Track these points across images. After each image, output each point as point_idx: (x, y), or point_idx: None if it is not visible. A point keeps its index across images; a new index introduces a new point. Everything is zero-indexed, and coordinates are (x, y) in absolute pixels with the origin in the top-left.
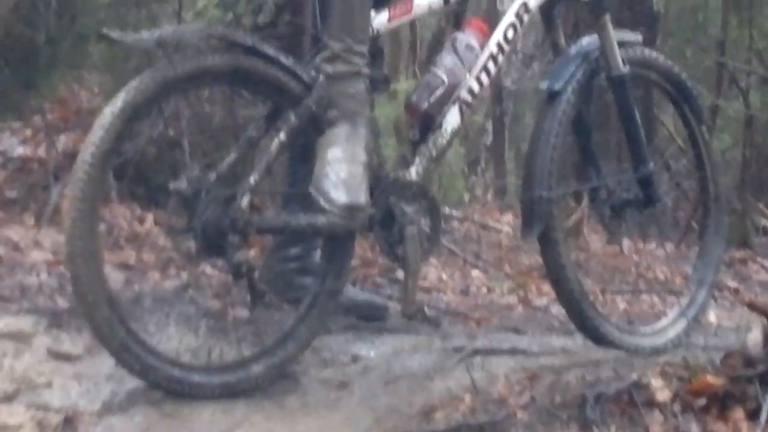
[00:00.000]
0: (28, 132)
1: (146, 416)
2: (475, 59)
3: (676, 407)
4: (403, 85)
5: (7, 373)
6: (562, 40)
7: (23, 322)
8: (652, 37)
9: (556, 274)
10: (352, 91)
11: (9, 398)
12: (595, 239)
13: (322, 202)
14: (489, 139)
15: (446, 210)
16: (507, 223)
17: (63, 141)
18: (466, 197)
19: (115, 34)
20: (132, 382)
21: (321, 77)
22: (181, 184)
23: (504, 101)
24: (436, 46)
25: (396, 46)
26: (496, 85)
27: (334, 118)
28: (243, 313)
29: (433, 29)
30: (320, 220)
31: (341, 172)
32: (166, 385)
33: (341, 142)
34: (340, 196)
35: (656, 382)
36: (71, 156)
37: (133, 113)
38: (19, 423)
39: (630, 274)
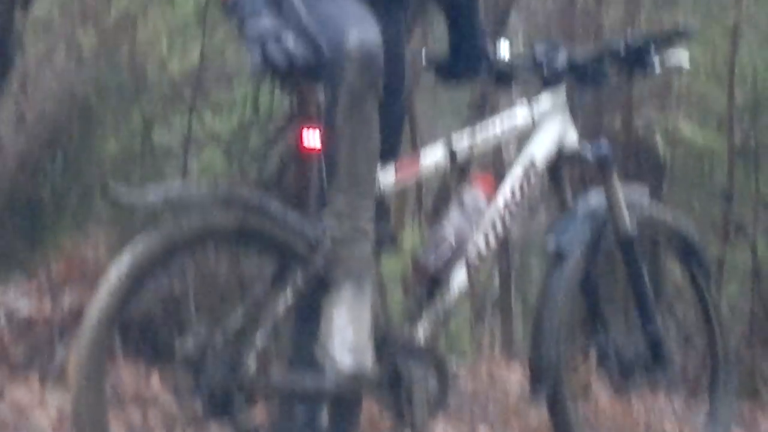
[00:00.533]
0: (33, 286)
1: None
2: (482, 217)
3: None
4: (408, 237)
5: None
6: (569, 197)
7: None
8: (658, 186)
9: None
10: (358, 251)
11: None
12: (602, 392)
13: (327, 365)
14: (495, 289)
15: (453, 366)
16: (514, 372)
17: (68, 297)
18: (473, 349)
19: (121, 193)
20: None
21: (327, 236)
22: (187, 344)
23: (510, 253)
24: (441, 196)
25: (401, 196)
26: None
27: (339, 278)
28: None
29: (437, 180)
30: (326, 383)
31: (347, 336)
32: None
33: (347, 303)
34: (345, 360)
35: None
36: (76, 313)
37: (138, 274)
38: None
39: (639, 429)
